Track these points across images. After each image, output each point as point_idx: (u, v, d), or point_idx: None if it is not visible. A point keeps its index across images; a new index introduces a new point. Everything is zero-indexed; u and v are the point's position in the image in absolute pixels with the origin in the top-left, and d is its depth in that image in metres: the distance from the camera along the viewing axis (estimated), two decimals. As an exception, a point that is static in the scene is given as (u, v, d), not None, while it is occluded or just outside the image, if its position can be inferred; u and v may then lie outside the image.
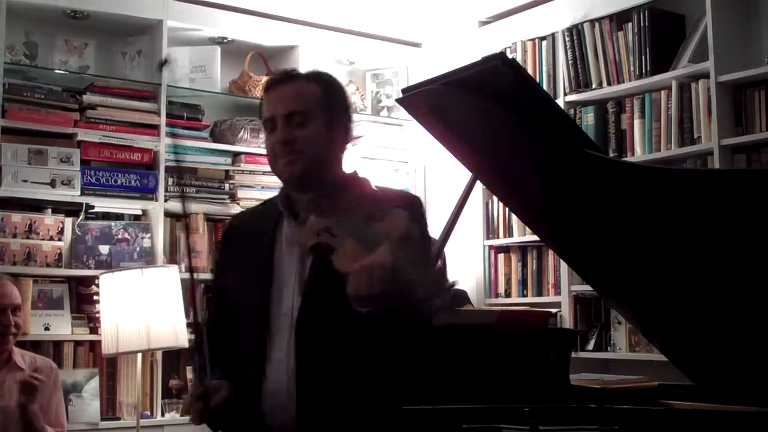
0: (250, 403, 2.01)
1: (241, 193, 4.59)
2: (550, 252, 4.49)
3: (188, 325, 3.91)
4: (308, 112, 2.04)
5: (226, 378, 2.02)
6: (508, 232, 4.75)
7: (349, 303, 1.78)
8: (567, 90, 4.49)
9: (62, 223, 4.16)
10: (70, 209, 4.21)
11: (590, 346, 4.31)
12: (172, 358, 4.29)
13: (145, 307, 3.81)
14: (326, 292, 1.91)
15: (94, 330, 4.13)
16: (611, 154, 4.20)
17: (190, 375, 4.29)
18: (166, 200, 4.34)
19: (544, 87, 4.49)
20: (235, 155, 4.65)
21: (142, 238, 4.32)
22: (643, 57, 4.17)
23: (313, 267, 2.00)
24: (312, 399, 1.97)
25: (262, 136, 2.29)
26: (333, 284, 1.80)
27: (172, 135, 4.43)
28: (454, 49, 4.96)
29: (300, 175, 2.03)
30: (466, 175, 2.50)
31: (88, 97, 4.29)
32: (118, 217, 4.33)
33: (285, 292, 2.03)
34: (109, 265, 4.18)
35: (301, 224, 1.91)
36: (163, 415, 4.17)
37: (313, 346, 1.98)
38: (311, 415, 1.97)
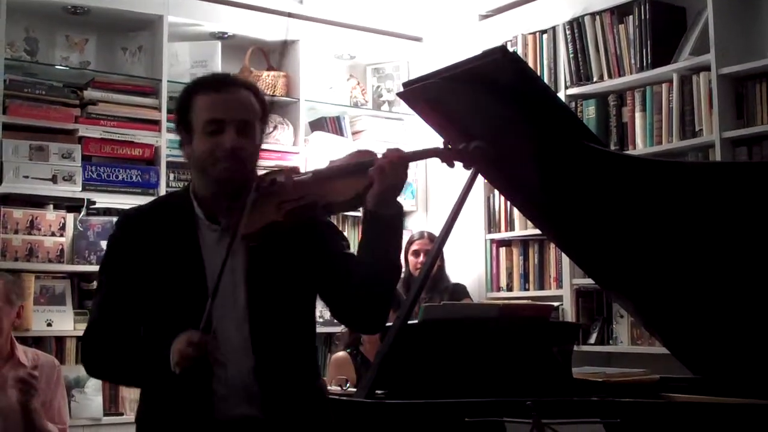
0: (199, 394, 1.99)
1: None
2: (552, 245, 4.49)
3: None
4: (254, 123, 2.08)
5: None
6: (510, 225, 4.75)
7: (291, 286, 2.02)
8: (568, 83, 4.49)
9: (64, 218, 4.17)
10: (71, 205, 4.22)
11: (592, 339, 4.31)
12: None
13: (147, 303, 3.80)
14: (269, 280, 2.01)
15: (96, 325, 4.13)
16: (612, 148, 4.19)
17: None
18: (167, 196, 4.34)
19: (545, 80, 4.48)
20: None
21: (144, 233, 4.32)
22: (644, 50, 4.16)
23: (250, 258, 2.04)
24: (274, 381, 2.03)
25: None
26: (273, 271, 1.98)
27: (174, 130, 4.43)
28: (455, 42, 4.96)
29: (240, 182, 2.04)
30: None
31: (89, 93, 4.29)
32: (120, 212, 4.32)
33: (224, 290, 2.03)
34: (110, 260, 4.18)
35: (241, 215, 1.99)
36: (165, 410, 4.18)
37: (269, 334, 2.03)
38: (276, 402, 2.02)
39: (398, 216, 2.04)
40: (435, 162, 2.10)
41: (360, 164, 2.05)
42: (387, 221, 2.02)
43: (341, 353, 3.87)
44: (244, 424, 2.00)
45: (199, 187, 2.10)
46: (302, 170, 2.17)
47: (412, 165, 1.96)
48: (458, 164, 2.21)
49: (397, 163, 2.00)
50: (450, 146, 2.11)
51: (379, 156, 2.05)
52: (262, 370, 2.01)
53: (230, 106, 2.04)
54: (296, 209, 2.00)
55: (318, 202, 2.03)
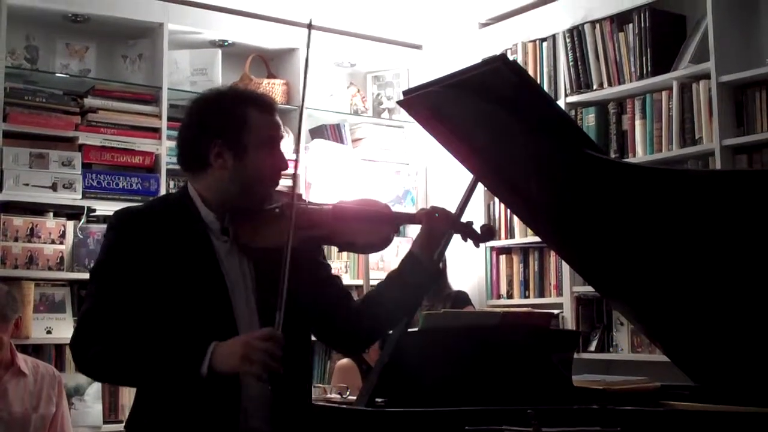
0: (228, 404, 2.01)
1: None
2: (552, 253, 4.49)
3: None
4: None
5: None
6: (510, 233, 4.75)
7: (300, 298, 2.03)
8: (568, 91, 4.49)
9: (64, 226, 4.17)
10: (71, 213, 4.22)
11: (592, 347, 4.31)
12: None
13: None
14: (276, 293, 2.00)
15: (96, 333, 4.13)
16: (612, 155, 4.20)
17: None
18: (167, 203, 4.34)
19: (545, 88, 4.49)
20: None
21: (144, 241, 4.32)
22: (644, 58, 4.17)
23: (261, 271, 2.09)
24: (287, 399, 2.06)
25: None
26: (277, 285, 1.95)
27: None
28: (455, 50, 4.96)
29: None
30: (468, 176, 2.49)
31: (89, 101, 4.29)
32: (120, 220, 4.33)
33: (236, 301, 2.07)
34: (110, 268, 4.18)
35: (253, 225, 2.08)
36: (165, 418, 4.17)
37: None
38: (287, 416, 2.06)
39: (434, 275, 2.25)
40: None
41: (385, 215, 2.19)
42: (425, 270, 2.21)
43: (345, 360, 3.86)
44: None
45: (225, 199, 2.11)
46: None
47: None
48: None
49: (443, 217, 2.24)
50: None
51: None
52: (277, 382, 2.01)
53: (280, 128, 2.20)
54: (312, 238, 2.07)
55: (336, 239, 2.14)
